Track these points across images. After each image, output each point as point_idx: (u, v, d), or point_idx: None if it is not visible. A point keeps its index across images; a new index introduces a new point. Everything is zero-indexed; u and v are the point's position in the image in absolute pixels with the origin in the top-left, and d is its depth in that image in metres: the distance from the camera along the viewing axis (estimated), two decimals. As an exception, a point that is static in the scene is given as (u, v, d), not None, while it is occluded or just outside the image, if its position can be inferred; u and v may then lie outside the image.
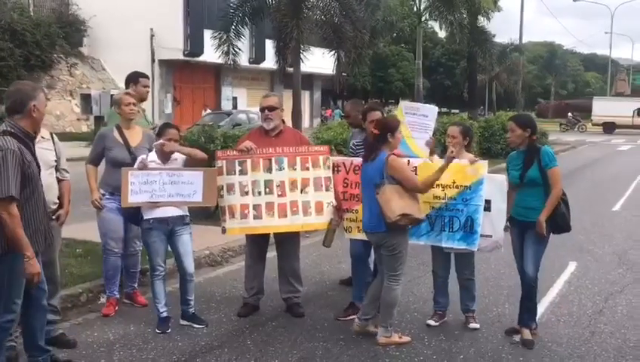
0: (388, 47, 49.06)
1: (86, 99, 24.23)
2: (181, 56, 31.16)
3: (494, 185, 5.32)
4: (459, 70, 51.46)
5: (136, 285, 6.03)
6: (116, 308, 5.74)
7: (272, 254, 6.04)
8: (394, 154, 5.01)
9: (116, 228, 5.65)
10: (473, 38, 26.10)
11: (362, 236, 5.39)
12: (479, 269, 6.00)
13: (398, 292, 5.10)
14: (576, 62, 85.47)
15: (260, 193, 5.51)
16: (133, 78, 6.31)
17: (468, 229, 5.25)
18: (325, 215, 5.55)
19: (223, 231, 5.61)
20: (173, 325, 5.35)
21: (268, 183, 5.52)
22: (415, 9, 28.68)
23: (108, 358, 4.75)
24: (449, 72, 54.33)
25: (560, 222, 5.12)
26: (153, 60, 30.57)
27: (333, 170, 5.68)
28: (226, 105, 34.62)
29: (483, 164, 5.33)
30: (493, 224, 5.33)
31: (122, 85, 7.24)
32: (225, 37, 18.68)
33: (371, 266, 5.79)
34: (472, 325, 5.50)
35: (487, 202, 5.28)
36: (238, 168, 5.52)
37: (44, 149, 4.59)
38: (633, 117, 44.54)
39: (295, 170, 5.56)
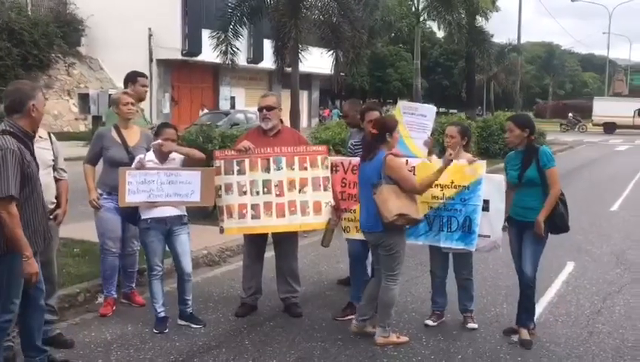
0: (386, 47, 49.07)
1: (84, 98, 24.17)
2: (179, 56, 31.12)
3: (492, 185, 5.32)
4: (457, 70, 51.51)
5: (133, 285, 6.02)
6: (114, 307, 5.73)
7: (270, 254, 6.04)
8: (392, 153, 5.00)
9: (114, 228, 5.64)
10: (471, 38, 26.11)
11: (360, 236, 5.39)
12: (477, 269, 6.00)
13: (396, 292, 5.09)
14: (574, 63, 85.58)
15: (258, 193, 5.50)
16: (132, 78, 6.30)
17: (466, 229, 5.25)
18: (323, 215, 5.54)
19: (221, 230, 5.60)
20: (170, 325, 5.34)
21: (266, 183, 5.52)
22: (413, 9, 28.73)
23: (105, 358, 4.74)
24: (447, 72, 54.34)
25: (558, 223, 5.12)
26: (151, 60, 30.52)
27: (332, 169, 5.67)
28: (224, 105, 34.60)
29: (481, 164, 5.33)
30: (492, 224, 5.33)
31: (120, 85, 7.24)
32: (223, 36, 18.67)
33: (369, 269, 5.77)
34: (470, 325, 5.50)
35: (486, 202, 5.27)
36: (236, 168, 5.51)
37: (42, 149, 4.58)
38: (634, 117, 44.57)
39: (293, 169, 5.55)
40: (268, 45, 24.93)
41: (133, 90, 6.10)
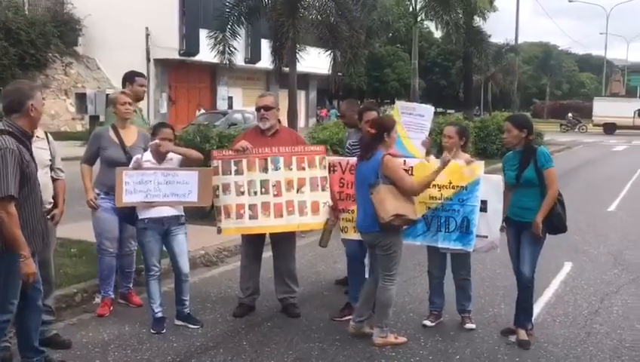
0: (384, 47, 49.09)
1: (81, 98, 24.11)
2: (177, 56, 31.12)
3: (490, 185, 5.32)
4: (454, 70, 51.50)
5: (131, 285, 6.00)
6: (111, 308, 5.72)
7: (267, 254, 6.02)
8: (390, 153, 5.00)
9: (111, 228, 5.63)
10: (469, 38, 26.12)
11: (358, 236, 5.38)
12: (475, 269, 6.00)
13: (393, 293, 5.09)
14: (571, 63, 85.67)
15: (255, 193, 5.49)
16: (130, 78, 6.29)
17: (464, 230, 5.25)
18: (321, 215, 5.54)
19: (219, 231, 5.59)
20: (168, 325, 5.33)
21: (264, 183, 5.51)
22: (411, 9, 28.76)
23: (102, 359, 4.73)
24: (445, 72, 54.39)
25: (556, 223, 5.12)
26: (148, 60, 30.51)
27: (330, 169, 5.66)
28: (222, 105, 34.59)
29: (479, 165, 5.33)
30: (489, 224, 5.32)
31: (117, 84, 7.23)
32: (221, 36, 18.67)
33: (366, 273, 5.75)
34: (468, 325, 5.49)
35: (484, 202, 5.27)
36: (233, 168, 5.50)
37: (39, 148, 4.57)
38: (634, 117, 44.63)
39: (291, 169, 5.54)
40: (265, 45, 24.93)
41: (131, 90, 6.09)
